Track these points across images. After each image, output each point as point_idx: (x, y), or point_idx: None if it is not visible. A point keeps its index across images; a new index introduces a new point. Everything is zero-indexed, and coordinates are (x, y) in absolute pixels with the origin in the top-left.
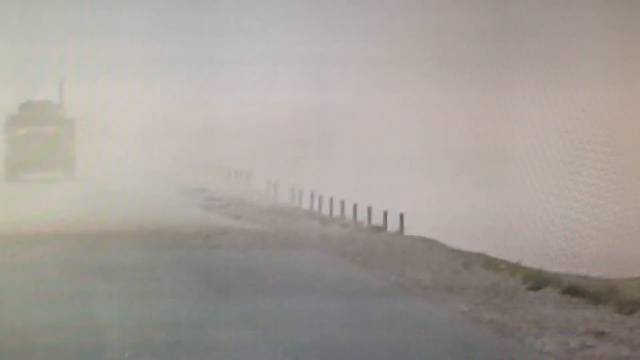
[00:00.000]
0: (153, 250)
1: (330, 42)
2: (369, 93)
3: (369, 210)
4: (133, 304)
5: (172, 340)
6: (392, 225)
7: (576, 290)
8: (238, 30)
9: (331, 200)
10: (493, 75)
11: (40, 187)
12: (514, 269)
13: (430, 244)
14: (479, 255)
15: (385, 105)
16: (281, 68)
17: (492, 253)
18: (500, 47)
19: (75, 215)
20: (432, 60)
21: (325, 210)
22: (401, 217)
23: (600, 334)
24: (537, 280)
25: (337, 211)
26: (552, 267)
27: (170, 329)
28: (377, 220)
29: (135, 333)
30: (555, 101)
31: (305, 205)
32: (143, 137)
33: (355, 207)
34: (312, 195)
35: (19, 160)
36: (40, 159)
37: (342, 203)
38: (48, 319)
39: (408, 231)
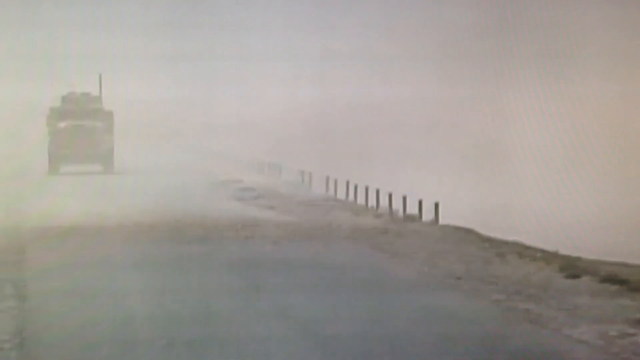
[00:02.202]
0: (186, 242)
1: (358, 39)
2: (398, 89)
3: (404, 199)
4: (165, 296)
5: (203, 332)
6: (427, 215)
7: (615, 279)
8: (272, 26)
9: (366, 189)
10: (511, 70)
11: (79, 180)
12: (550, 257)
13: (464, 233)
14: (514, 244)
15: (411, 101)
16: (308, 64)
17: (529, 242)
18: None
19: (112, 209)
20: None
21: (360, 201)
22: (436, 206)
23: None
24: (574, 269)
25: (372, 201)
26: (589, 256)
27: (201, 321)
28: (413, 209)
29: (168, 324)
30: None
31: (340, 195)
32: (177, 131)
33: (390, 197)
34: (347, 185)
35: (61, 153)
36: (80, 152)
37: (377, 192)
38: (78, 311)
39: (443, 220)
